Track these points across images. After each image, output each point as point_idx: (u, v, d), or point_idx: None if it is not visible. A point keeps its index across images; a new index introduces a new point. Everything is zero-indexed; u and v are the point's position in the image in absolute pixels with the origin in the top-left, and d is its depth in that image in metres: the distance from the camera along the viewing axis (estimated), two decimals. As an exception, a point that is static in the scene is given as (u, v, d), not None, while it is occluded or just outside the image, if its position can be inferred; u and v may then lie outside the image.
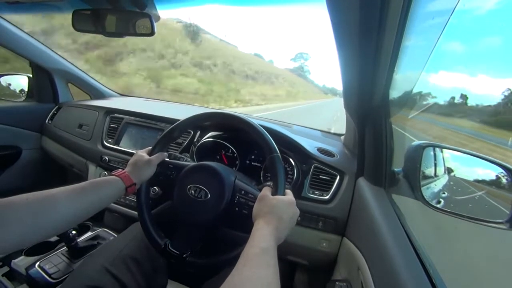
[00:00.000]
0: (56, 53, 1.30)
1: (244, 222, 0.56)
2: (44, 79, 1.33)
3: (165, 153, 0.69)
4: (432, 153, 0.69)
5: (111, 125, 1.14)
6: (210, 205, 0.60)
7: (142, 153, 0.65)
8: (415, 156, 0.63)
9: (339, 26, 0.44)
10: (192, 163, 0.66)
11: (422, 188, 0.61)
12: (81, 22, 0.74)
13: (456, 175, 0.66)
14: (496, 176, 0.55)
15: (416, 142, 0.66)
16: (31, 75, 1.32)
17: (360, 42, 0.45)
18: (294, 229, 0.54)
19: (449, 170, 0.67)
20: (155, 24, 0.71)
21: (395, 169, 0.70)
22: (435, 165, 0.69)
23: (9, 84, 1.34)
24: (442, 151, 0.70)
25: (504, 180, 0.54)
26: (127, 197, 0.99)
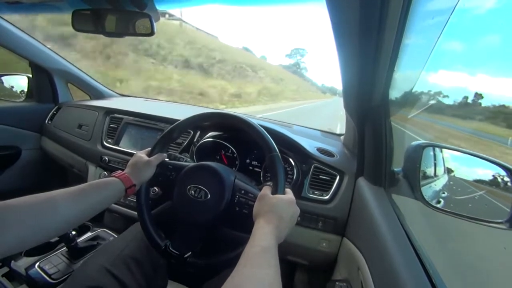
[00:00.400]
0: (56, 53, 1.30)
1: (244, 222, 0.56)
2: (44, 79, 1.33)
3: (165, 154, 0.68)
4: (431, 153, 0.69)
5: (111, 125, 1.14)
6: (210, 205, 0.60)
7: (142, 154, 0.65)
8: (415, 156, 0.63)
9: (339, 25, 0.44)
10: (192, 163, 0.66)
11: (422, 188, 0.61)
12: (80, 22, 0.73)
13: (456, 175, 0.66)
14: (496, 176, 0.55)
15: (416, 142, 0.66)
16: (30, 75, 1.32)
17: (360, 42, 0.45)
18: (294, 229, 0.54)
19: (448, 170, 0.67)
20: (155, 24, 0.71)
21: (395, 169, 0.70)
22: (435, 165, 0.69)
23: (9, 85, 1.34)
24: (441, 151, 0.70)
25: (504, 180, 0.54)
26: (127, 198, 0.99)
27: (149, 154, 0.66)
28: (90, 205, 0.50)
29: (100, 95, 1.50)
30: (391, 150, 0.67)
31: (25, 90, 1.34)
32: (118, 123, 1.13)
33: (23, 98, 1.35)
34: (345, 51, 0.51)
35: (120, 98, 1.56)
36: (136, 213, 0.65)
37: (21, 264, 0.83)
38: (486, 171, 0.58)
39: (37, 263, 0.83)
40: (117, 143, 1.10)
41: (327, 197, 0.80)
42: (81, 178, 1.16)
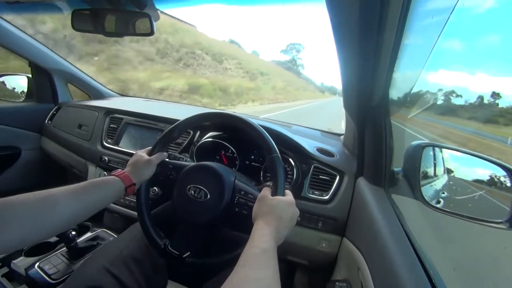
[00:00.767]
0: (56, 53, 1.30)
1: (243, 223, 0.56)
2: (44, 79, 1.33)
3: (165, 153, 0.68)
4: (431, 153, 0.69)
5: (111, 125, 1.14)
6: (209, 205, 0.60)
7: (142, 153, 0.65)
8: (415, 156, 0.63)
9: (339, 25, 0.44)
10: (192, 163, 0.66)
11: (421, 188, 0.61)
12: (80, 22, 0.73)
13: (455, 175, 0.66)
14: (496, 176, 0.55)
15: (416, 142, 0.66)
16: (30, 75, 1.32)
17: (359, 42, 0.45)
18: (294, 229, 0.54)
19: (448, 170, 0.67)
20: (154, 24, 0.71)
21: (395, 169, 0.70)
22: (435, 165, 0.69)
23: (9, 85, 1.34)
24: (441, 151, 0.70)
25: (503, 180, 0.54)
26: (126, 198, 0.99)
27: (150, 154, 0.66)
28: (90, 203, 0.50)
29: (100, 95, 1.50)
30: (391, 150, 0.67)
31: (25, 90, 1.34)
32: (118, 123, 1.13)
33: (23, 98, 1.35)
34: (345, 51, 0.51)
35: (120, 98, 1.56)
36: (135, 213, 0.65)
37: (21, 264, 0.82)
38: (486, 171, 0.58)
39: (37, 263, 0.83)
40: (117, 143, 1.10)
41: (327, 197, 0.80)
42: (81, 178, 1.16)
